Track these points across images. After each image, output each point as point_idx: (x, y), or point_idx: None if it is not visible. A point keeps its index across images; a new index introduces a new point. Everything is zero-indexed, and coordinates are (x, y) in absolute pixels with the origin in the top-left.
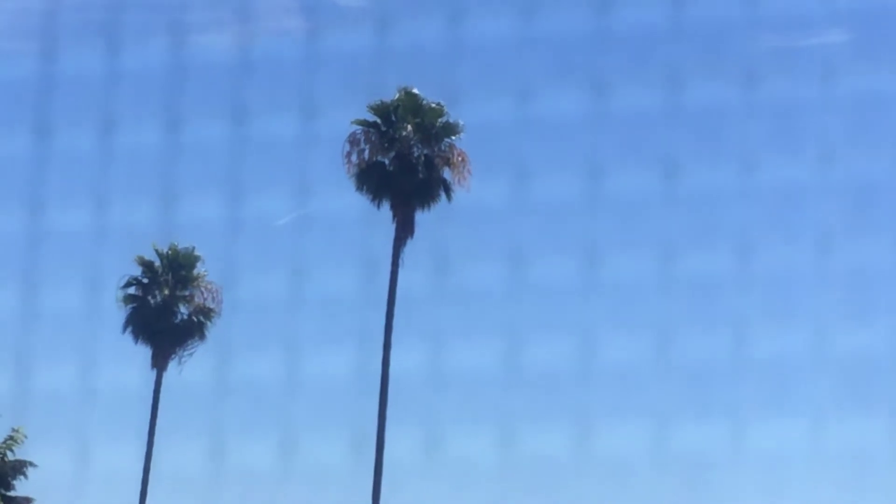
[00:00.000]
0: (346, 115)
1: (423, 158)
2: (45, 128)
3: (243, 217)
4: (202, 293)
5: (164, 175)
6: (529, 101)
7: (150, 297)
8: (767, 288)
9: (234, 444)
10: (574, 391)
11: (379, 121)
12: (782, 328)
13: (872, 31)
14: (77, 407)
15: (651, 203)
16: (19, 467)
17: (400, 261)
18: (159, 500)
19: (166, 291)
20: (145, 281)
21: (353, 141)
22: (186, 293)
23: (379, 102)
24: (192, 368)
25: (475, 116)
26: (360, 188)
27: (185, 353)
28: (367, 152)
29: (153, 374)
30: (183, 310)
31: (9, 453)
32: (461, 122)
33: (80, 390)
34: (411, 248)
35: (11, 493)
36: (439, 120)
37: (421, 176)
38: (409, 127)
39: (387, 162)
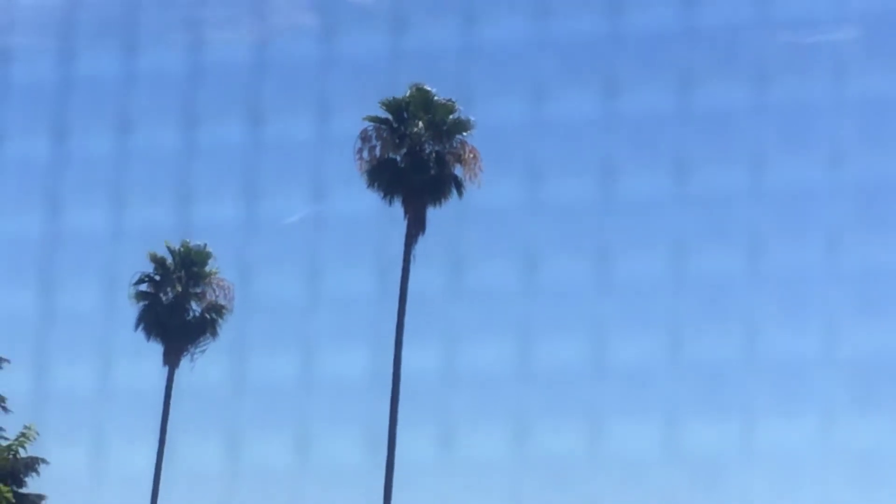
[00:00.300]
0: (358, 113)
1: (434, 155)
2: (62, 128)
3: (256, 214)
4: (214, 290)
5: (178, 173)
6: (542, 101)
7: (162, 295)
8: (779, 287)
9: (246, 442)
10: (586, 390)
11: (390, 117)
12: (793, 327)
13: (883, 31)
14: (90, 404)
15: (663, 203)
16: (31, 464)
17: (411, 257)
18: (171, 497)
19: (178, 288)
20: (157, 278)
21: (364, 138)
22: (198, 290)
23: (390, 99)
24: (203, 366)
25: (488, 116)
26: (371, 185)
27: (197, 350)
28: (378, 149)
29: (165, 371)
30: (195, 307)
31: (21, 450)
32: (472, 119)
33: (93, 387)
34: (423, 245)
35: (24, 490)
36: (451, 116)
37: (432, 172)
38: (421, 123)
39: (398, 158)
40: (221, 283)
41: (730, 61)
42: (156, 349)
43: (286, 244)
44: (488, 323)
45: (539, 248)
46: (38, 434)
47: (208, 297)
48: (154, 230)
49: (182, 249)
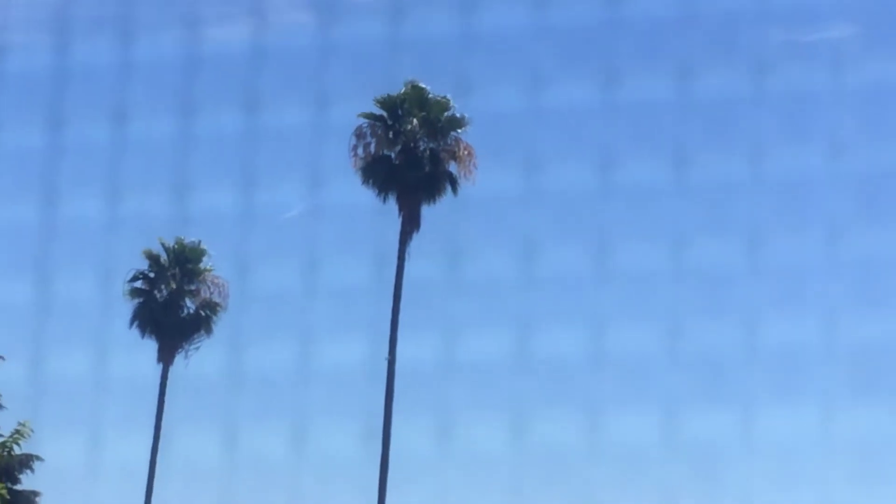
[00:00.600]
0: (354, 109)
1: (428, 152)
2: (57, 120)
3: (251, 211)
4: (209, 287)
5: (173, 169)
6: (540, 90)
7: (156, 292)
8: (778, 277)
9: (242, 438)
10: (585, 381)
11: (385, 114)
12: (793, 318)
13: (881, 21)
14: (85, 401)
15: (661, 193)
16: (26, 461)
17: (406, 255)
18: (166, 494)
19: (173, 286)
20: (152, 275)
21: (359, 134)
22: (193, 287)
23: (385, 96)
24: (198, 363)
25: (485, 105)
26: (366, 182)
27: (192, 347)
28: (373, 146)
29: (160, 369)
30: (189, 304)
31: (15, 447)
32: (467, 116)
33: (88, 384)
34: (417, 242)
35: (18, 487)
36: (445, 114)
37: (427, 170)
38: (415, 120)
39: (393, 156)
40: (216, 281)
41: (729, 51)
42: (150, 346)
43: (281, 240)
44: (486, 315)
45: (537, 239)
46: (32, 431)
47: (202, 294)
48: (148, 223)
49: (176, 246)
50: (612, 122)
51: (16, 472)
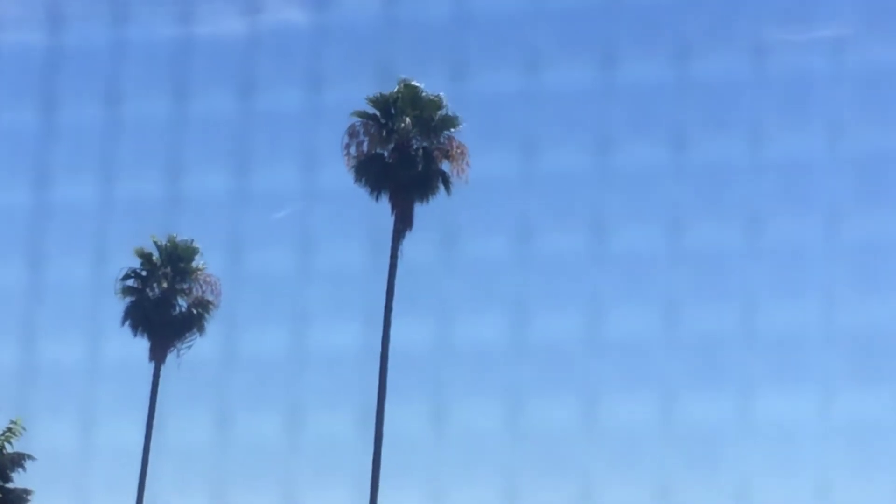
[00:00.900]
0: (349, 96)
1: (421, 151)
2: (49, 105)
3: (244, 209)
4: (201, 286)
5: (166, 165)
6: (537, 72)
7: (148, 290)
8: (777, 261)
9: (235, 423)
10: (582, 364)
11: (378, 113)
12: (792, 301)
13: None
14: (78, 398)
15: (660, 176)
16: (18, 460)
17: (399, 253)
18: (157, 493)
19: (165, 284)
20: (144, 273)
21: (352, 133)
22: (185, 286)
23: (378, 95)
24: (190, 360)
25: (480, 89)
26: (358, 180)
27: (184, 346)
28: (365, 144)
29: (152, 367)
30: (181, 302)
31: (7, 446)
32: (460, 115)
33: (81, 381)
34: (410, 241)
35: (10, 486)
36: (438, 112)
37: (420, 168)
38: (408, 119)
39: (385, 154)
40: (208, 279)
41: (728, 33)
42: (142, 345)
43: (274, 239)
44: (482, 297)
45: (534, 221)
46: (24, 429)
47: (195, 292)
48: (140, 220)
49: (168, 245)
50: (610, 105)
51: (7, 471)
